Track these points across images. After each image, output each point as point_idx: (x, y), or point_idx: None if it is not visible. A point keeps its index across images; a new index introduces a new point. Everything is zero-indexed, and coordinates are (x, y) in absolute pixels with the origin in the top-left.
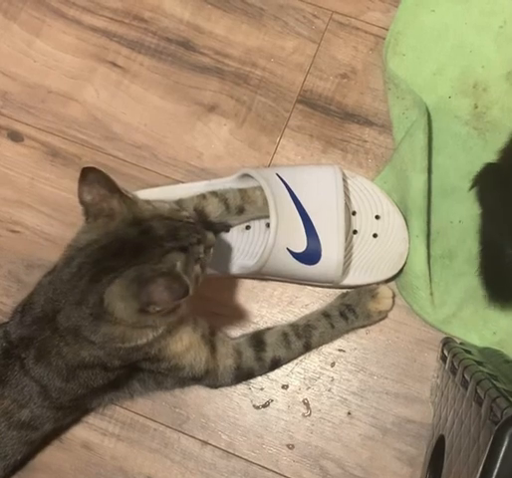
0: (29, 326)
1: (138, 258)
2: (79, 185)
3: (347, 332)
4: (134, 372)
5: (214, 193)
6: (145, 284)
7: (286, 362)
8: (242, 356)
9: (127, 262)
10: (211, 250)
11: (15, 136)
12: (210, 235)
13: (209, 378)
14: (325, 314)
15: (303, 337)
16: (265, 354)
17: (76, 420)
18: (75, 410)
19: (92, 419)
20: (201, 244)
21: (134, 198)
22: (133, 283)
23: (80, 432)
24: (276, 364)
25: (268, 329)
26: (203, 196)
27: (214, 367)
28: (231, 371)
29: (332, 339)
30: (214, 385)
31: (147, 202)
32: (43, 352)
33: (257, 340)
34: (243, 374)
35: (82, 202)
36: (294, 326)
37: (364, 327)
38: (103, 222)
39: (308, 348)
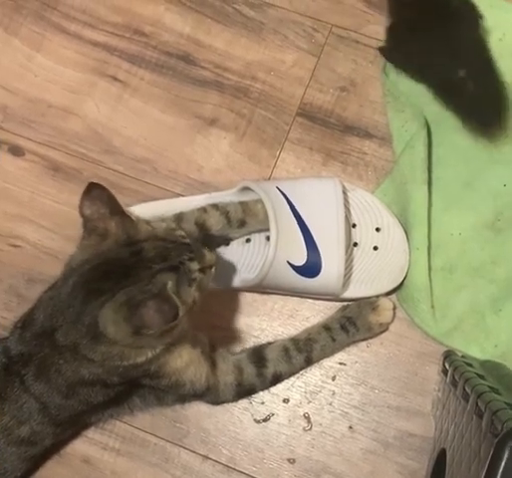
0: (29, 342)
1: (128, 280)
2: (81, 198)
3: (348, 345)
4: (135, 389)
5: (215, 206)
6: (136, 308)
7: (287, 377)
8: (243, 372)
9: (116, 284)
10: (212, 270)
11: (16, 151)
12: (210, 255)
13: (210, 395)
14: (325, 327)
15: (304, 351)
16: (266, 369)
17: (75, 434)
18: (74, 425)
19: (92, 434)
20: (194, 261)
21: (136, 220)
22: (124, 307)
23: (80, 447)
24: (277, 380)
25: (269, 343)
26: (204, 210)
27: (215, 384)
28: (232, 388)
29: (333, 352)
30: (216, 402)
31: (147, 223)
32: (42, 368)
33: (258, 356)
34: (245, 391)
35: (81, 215)
36: (295, 340)
37: (365, 339)
38: (95, 241)
39: (309, 362)
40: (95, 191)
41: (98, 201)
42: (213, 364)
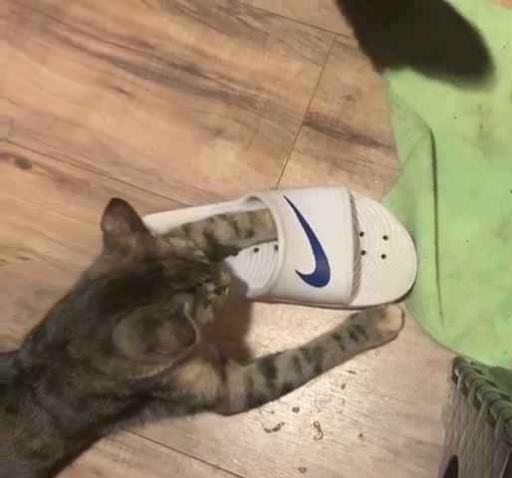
0: (40, 354)
1: (146, 297)
2: (104, 213)
3: (357, 353)
4: (146, 401)
5: (223, 216)
6: (153, 326)
7: (298, 387)
8: (253, 383)
9: (134, 300)
10: (226, 291)
11: (23, 163)
12: (225, 276)
13: (221, 406)
14: (335, 336)
15: (313, 360)
16: (276, 380)
17: (87, 446)
18: (85, 437)
19: (103, 445)
20: (211, 283)
21: (155, 236)
22: (140, 324)
23: (91, 458)
24: (288, 390)
25: (278, 353)
26: (212, 220)
27: (226, 395)
28: (243, 399)
29: (343, 360)
30: (227, 413)
31: (166, 240)
32: (54, 381)
33: (268, 366)
34: (255, 401)
35: (103, 231)
36: (304, 349)
37: (374, 347)
38: (115, 256)
39: (319, 371)
40: (117, 207)
41: (120, 217)
42: (224, 376)
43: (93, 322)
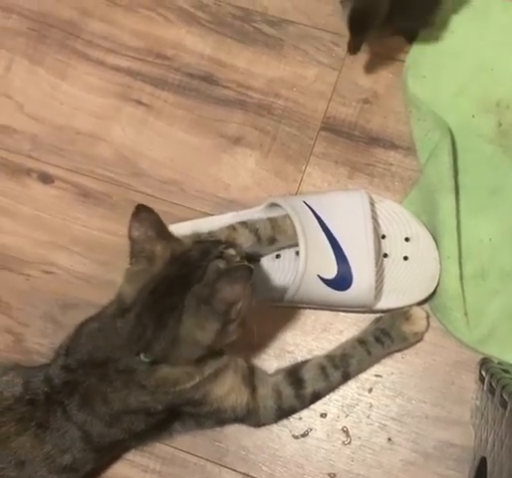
0: (74, 370)
1: (188, 285)
2: (130, 220)
3: (384, 357)
4: (176, 416)
5: (244, 224)
6: (211, 297)
7: (326, 394)
8: (282, 395)
9: (180, 296)
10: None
11: (45, 179)
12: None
13: (251, 419)
14: (360, 341)
15: (340, 367)
16: (305, 390)
17: (116, 457)
18: (115, 450)
19: (132, 456)
20: (230, 248)
21: (182, 240)
22: (200, 306)
23: (121, 469)
24: (316, 398)
25: (304, 363)
26: (233, 228)
27: (255, 409)
28: (273, 412)
29: (369, 365)
30: (257, 425)
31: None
32: (87, 398)
33: (295, 377)
34: (285, 413)
35: (130, 238)
36: (330, 357)
37: (400, 350)
38: (142, 265)
39: (347, 377)
40: (143, 213)
41: (146, 223)
42: (253, 389)
43: (149, 337)
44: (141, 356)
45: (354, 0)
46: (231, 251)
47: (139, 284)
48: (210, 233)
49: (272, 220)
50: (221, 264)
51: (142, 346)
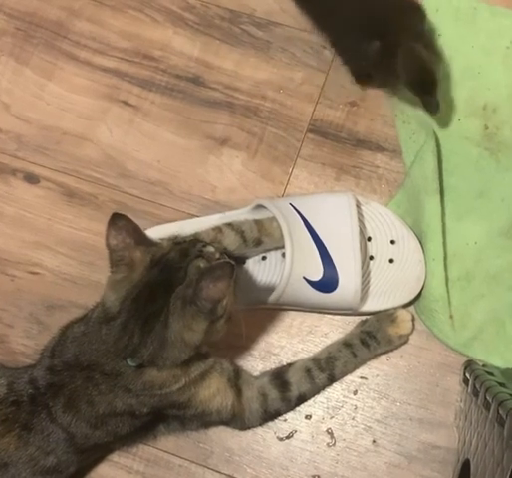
0: (59, 372)
1: (171, 288)
2: (107, 229)
3: (369, 359)
4: (160, 418)
5: (230, 225)
6: (196, 297)
7: (311, 397)
8: (268, 398)
9: (165, 299)
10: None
11: (31, 179)
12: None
13: (236, 422)
14: (346, 343)
15: (326, 369)
16: (290, 393)
17: (100, 458)
18: (98, 452)
19: (116, 457)
20: (209, 246)
21: (160, 245)
22: (185, 307)
23: (105, 471)
24: (301, 401)
25: (289, 365)
26: (219, 229)
27: (240, 412)
28: (258, 415)
29: (355, 368)
30: (242, 428)
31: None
32: (72, 400)
33: (281, 380)
34: (270, 416)
35: (107, 246)
36: (315, 359)
37: (386, 353)
38: (123, 272)
39: (332, 380)
40: (119, 221)
41: (123, 231)
42: (239, 392)
43: (136, 343)
44: (128, 360)
45: (410, 68)
46: (210, 248)
47: (122, 292)
48: (196, 234)
49: (258, 222)
50: (202, 263)
51: (129, 351)
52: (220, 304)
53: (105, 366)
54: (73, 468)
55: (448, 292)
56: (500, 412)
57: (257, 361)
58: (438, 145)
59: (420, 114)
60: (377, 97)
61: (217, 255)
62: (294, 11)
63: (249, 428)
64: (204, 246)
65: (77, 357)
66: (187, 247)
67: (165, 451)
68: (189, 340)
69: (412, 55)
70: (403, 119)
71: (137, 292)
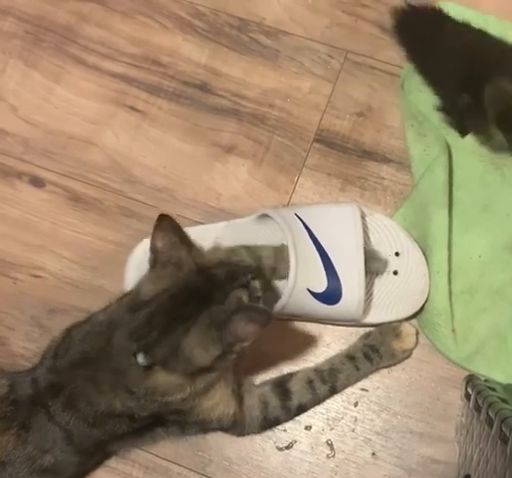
0: (61, 372)
1: (206, 304)
2: (153, 231)
3: (372, 372)
4: (159, 422)
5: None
6: (224, 326)
7: (312, 407)
8: (268, 406)
9: (196, 310)
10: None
11: (37, 182)
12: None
13: (236, 429)
14: (349, 356)
15: (328, 381)
16: (291, 402)
17: (98, 464)
18: (96, 454)
19: (114, 464)
20: (256, 280)
21: (200, 249)
22: (210, 329)
23: (103, 477)
24: (302, 410)
25: (292, 375)
26: (232, 251)
27: (241, 419)
28: (258, 422)
29: (357, 380)
30: (241, 434)
31: (208, 252)
32: (73, 399)
33: (282, 388)
34: (270, 423)
35: (153, 248)
36: (318, 370)
37: (388, 367)
38: (171, 271)
39: (333, 391)
40: (165, 222)
41: (169, 232)
42: (240, 401)
43: (154, 335)
44: (139, 356)
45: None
46: (256, 284)
47: (162, 285)
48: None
49: (277, 249)
50: (245, 296)
51: (142, 346)
52: (241, 343)
53: (111, 362)
54: (70, 471)
55: (451, 306)
56: (503, 429)
57: (260, 372)
58: (450, 159)
59: (437, 127)
60: (384, 108)
61: (259, 293)
62: (303, 20)
63: (248, 434)
64: (253, 278)
65: (84, 354)
66: (237, 271)
67: (164, 458)
68: (197, 357)
69: (499, 90)
70: (420, 130)
71: (176, 290)
